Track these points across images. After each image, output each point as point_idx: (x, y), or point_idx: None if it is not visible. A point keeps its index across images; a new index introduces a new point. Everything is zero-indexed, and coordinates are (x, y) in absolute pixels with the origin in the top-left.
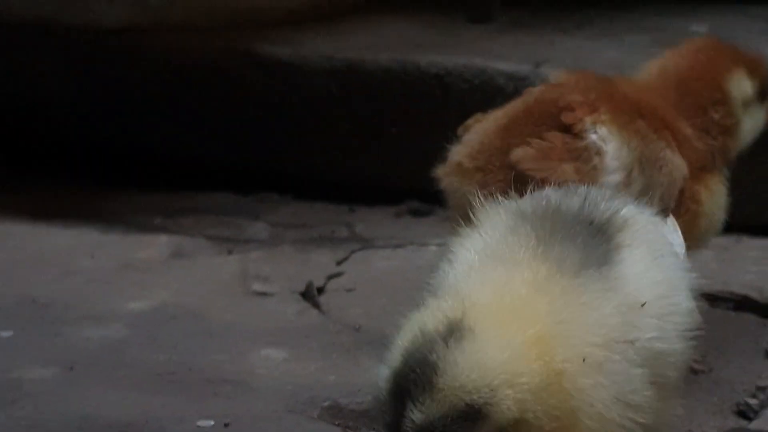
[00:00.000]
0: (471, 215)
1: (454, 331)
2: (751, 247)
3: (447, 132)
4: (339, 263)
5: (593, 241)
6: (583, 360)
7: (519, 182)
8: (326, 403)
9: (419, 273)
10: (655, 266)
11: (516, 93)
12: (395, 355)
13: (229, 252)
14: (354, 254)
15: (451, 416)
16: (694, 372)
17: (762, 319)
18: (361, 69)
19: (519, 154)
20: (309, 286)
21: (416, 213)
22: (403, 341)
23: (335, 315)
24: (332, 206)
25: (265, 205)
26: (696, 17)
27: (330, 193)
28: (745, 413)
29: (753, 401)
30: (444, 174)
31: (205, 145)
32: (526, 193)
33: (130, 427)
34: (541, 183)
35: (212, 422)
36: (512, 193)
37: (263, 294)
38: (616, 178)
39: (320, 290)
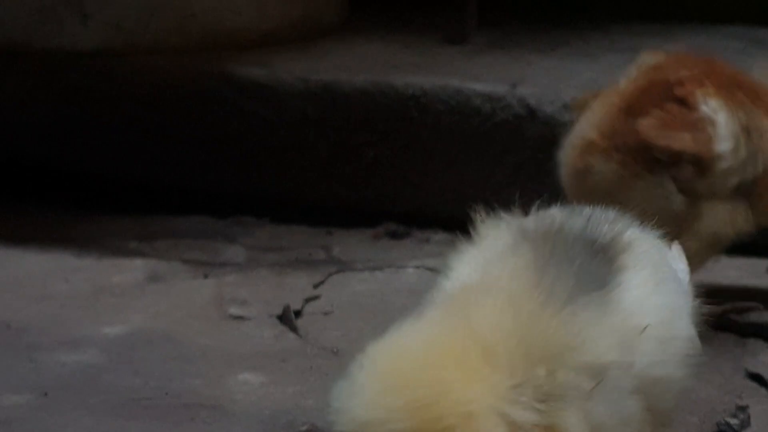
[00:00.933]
0: (606, 196)
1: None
2: (729, 266)
3: (424, 153)
4: (316, 286)
5: (593, 263)
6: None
7: (645, 155)
8: (304, 428)
9: (397, 295)
10: (657, 290)
11: (493, 114)
12: None
13: (205, 276)
14: (331, 277)
15: None
16: None
17: (741, 338)
18: (337, 90)
19: (644, 124)
20: (286, 309)
21: (394, 235)
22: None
23: (313, 338)
24: (309, 229)
25: (242, 229)
26: (671, 37)
27: (307, 216)
28: None
29: (733, 421)
30: (576, 154)
31: (181, 168)
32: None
33: None
34: (664, 151)
35: None
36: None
37: (240, 318)
38: (727, 146)
39: (297, 313)
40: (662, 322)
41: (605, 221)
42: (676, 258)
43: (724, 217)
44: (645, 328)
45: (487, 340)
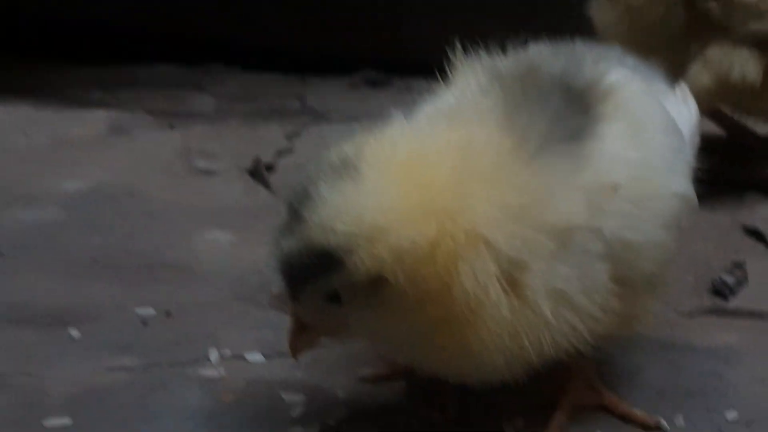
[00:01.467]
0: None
1: (341, 168)
2: None
3: None
4: (289, 138)
5: (567, 110)
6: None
7: None
8: (276, 290)
9: None
10: (636, 144)
11: None
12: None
13: (171, 127)
14: (306, 129)
15: (308, 254)
16: None
17: (739, 192)
18: None
19: None
20: (257, 162)
21: (373, 83)
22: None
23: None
24: (282, 77)
25: (211, 77)
26: None
27: (280, 64)
28: (720, 291)
29: (729, 278)
30: None
31: (146, 13)
32: None
33: (66, 315)
34: None
35: (153, 310)
36: None
37: (208, 172)
38: None
39: (269, 167)
40: (639, 180)
41: (590, 61)
42: (679, 103)
43: (736, 59)
44: (617, 186)
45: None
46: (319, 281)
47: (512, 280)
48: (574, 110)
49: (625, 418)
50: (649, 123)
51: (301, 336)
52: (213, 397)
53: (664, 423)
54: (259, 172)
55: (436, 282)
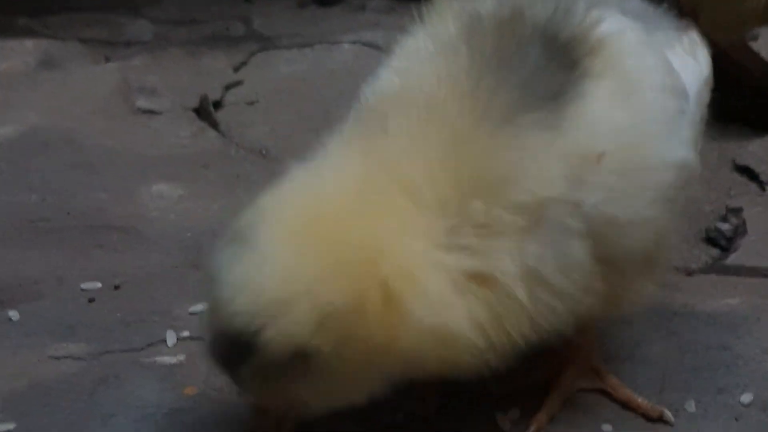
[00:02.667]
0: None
1: (238, 241)
2: None
3: None
4: (237, 69)
5: (549, 67)
6: None
7: None
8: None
9: (331, 77)
10: (625, 106)
11: None
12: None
13: (107, 59)
14: (254, 57)
15: (223, 342)
16: None
17: (725, 124)
18: None
19: None
20: (203, 100)
21: (323, 2)
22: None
23: (237, 135)
24: None
25: None
26: None
27: None
28: (715, 240)
29: (724, 226)
30: None
31: None
32: None
33: (1, 294)
34: None
35: (99, 284)
36: None
37: (150, 112)
38: None
39: (217, 104)
40: (627, 148)
41: (583, 6)
42: (686, 55)
43: None
44: (601, 155)
45: (407, 173)
46: (241, 368)
47: (476, 274)
48: (556, 66)
49: (626, 405)
50: (644, 81)
51: (265, 420)
52: (173, 390)
53: (667, 414)
54: (206, 111)
55: (380, 332)
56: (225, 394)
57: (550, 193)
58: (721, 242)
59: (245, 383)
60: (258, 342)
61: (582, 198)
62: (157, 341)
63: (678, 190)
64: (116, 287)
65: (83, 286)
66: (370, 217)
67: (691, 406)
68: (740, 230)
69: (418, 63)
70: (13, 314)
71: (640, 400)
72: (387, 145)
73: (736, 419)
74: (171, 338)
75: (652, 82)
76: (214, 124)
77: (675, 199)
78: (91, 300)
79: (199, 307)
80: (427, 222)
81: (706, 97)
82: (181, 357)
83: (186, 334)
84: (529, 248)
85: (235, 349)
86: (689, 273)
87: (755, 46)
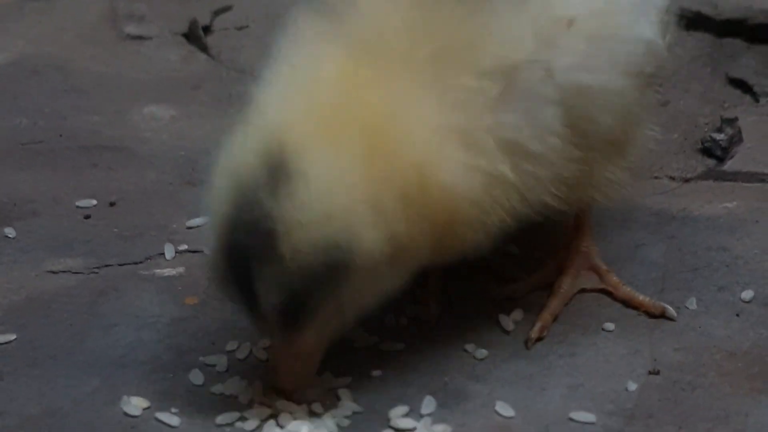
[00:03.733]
0: None
1: (277, 176)
2: None
3: None
4: None
5: None
6: None
7: None
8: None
9: None
10: None
11: None
12: (218, 217)
13: None
14: None
15: (307, 267)
16: None
17: (718, 38)
18: None
19: None
20: (193, 25)
21: None
22: (222, 193)
23: (227, 59)
24: None
25: None
26: None
27: None
28: (710, 150)
29: (719, 136)
30: None
31: None
32: None
33: None
34: None
35: (94, 201)
36: None
37: (139, 38)
38: None
39: (206, 30)
40: (598, 16)
41: None
42: None
43: None
44: (571, 20)
45: (389, 42)
46: (330, 286)
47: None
48: None
49: (628, 304)
50: None
51: (297, 366)
52: (173, 300)
53: (670, 310)
54: (195, 35)
55: (419, 216)
56: (226, 303)
57: (520, 56)
58: (716, 152)
59: (313, 315)
60: (351, 246)
61: (552, 61)
62: (155, 255)
63: (647, 69)
64: (112, 204)
65: (78, 203)
66: (381, 103)
67: (692, 304)
68: (735, 139)
69: None
70: (9, 231)
71: (641, 298)
72: (359, 20)
73: (738, 315)
74: (169, 251)
75: None
76: (204, 48)
77: (644, 78)
78: (87, 217)
79: (197, 221)
80: (426, 94)
81: None
82: (181, 269)
83: (184, 247)
84: (504, 118)
85: (325, 264)
86: (686, 180)
87: None
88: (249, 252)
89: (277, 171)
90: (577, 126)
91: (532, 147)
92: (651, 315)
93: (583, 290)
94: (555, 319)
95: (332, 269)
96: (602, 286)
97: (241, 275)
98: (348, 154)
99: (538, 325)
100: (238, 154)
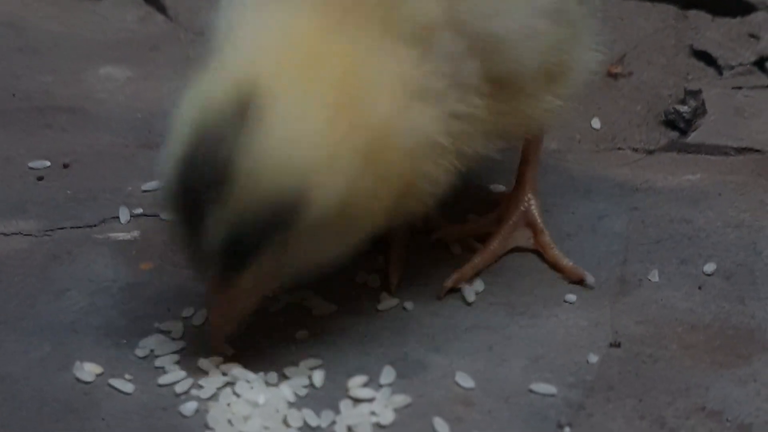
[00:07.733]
0: None
1: (244, 115)
2: None
3: None
4: None
5: None
6: None
7: None
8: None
9: None
10: None
11: None
12: (177, 150)
13: None
14: None
15: (258, 212)
16: (613, 76)
17: (682, 9)
18: None
19: None
20: None
21: None
22: (185, 126)
23: (185, 21)
24: None
25: None
26: None
27: None
28: (674, 122)
29: (683, 108)
30: None
31: None
32: None
33: None
34: None
35: (48, 162)
36: None
37: None
38: None
39: None
40: None
41: None
42: None
43: None
44: None
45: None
46: (278, 232)
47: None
48: None
49: (553, 267)
50: None
51: (230, 307)
52: (128, 265)
53: (590, 278)
54: None
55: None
56: (182, 268)
57: (432, 16)
58: (680, 124)
59: (259, 261)
60: (307, 197)
61: (463, 15)
62: (109, 218)
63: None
64: (65, 165)
65: (31, 164)
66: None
67: (654, 276)
68: (699, 111)
69: None
70: None
71: (565, 262)
72: None
73: (700, 288)
74: (124, 215)
75: None
76: (161, 9)
77: (569, 10)
78: (39, 178)
79: (152, 184)
80: (393, 50)
81: None
82: (135, 233)
83: (139, 211)
84: (426, 82)
85: (277, 212)
86: (650, 152)
87: None
88: (203, 186)
89: (245, 111)
90: (498, 75)
91: (456, 108)
92: (571, 281)
93: (517, 248)
94: (477, 274)
95: (281, 216)
96: (535, 244)
97: (191, 207)
98: (316, 105)
99: (453, 276)
100: (208, 89)
